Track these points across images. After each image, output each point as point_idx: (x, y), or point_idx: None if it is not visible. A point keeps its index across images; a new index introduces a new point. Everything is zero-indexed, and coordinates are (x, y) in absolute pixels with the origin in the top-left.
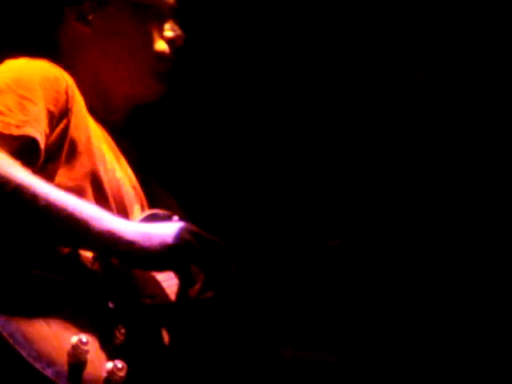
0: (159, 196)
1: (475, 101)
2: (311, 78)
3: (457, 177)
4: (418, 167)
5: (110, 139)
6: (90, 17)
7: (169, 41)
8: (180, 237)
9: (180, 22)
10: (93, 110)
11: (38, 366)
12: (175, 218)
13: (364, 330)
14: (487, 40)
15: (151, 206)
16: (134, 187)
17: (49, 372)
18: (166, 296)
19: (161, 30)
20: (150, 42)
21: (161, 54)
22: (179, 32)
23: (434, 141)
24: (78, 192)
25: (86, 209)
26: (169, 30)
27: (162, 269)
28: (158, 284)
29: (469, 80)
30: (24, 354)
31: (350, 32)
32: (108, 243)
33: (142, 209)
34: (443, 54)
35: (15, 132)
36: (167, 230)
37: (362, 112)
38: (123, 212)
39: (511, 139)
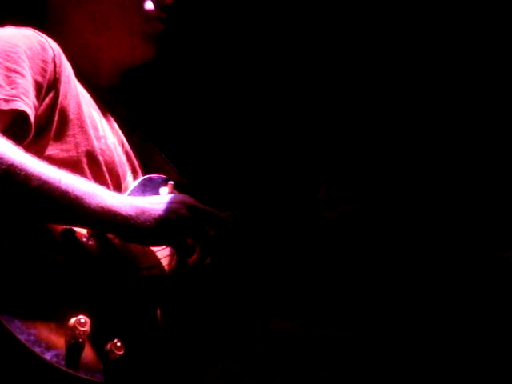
0: (153, 158)
1: (465, 71)
2: (304, 50)
3: (445, 146)
4: (405, 133)
5: (100, 104)
6: None
7: (157, 0)
8: (175, 211)
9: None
10: (82, 76)
11: (36, 350)
12: (170, 182)
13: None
14: (476, 9)
15: (144, 169)
16: (126, 152)
17: (48, 356)
18: (163, 267)
19: None
20: (138, 2)
21: (149, 14)
22: None
23: (423, 110)
24: (72, 163)
25: (79, 185)
26: None
27: (157, 243)
28: (153, 254)
29: (457, 49)
30: (22, 338)
31: (341, 3)
32: (103, 220)
33: (134, 175)
34: (431, 23)
35: (4, 107)
36: (162, 203)
37: (353, 80)
38: (116, 179)
39: (498, 106)
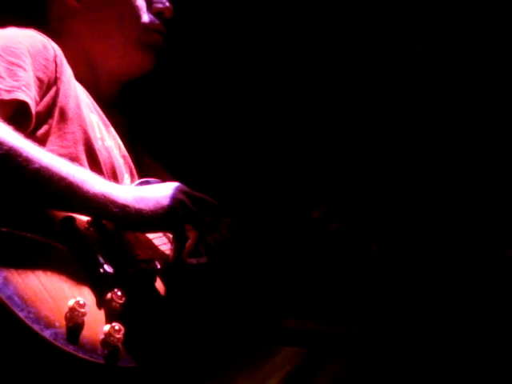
0: (149, 166)
1: (474, 72)
2: (312, 50)
3: (453, 149)
4: (412, 135)
5: (99, 108)
6: None
7: (157, 13)
8: (173, 197)
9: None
10: (81, 81)
11: (36, 327)
12: None
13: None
14: (487, 11)
15: (141, 175)
16: (123, 156)
17: (47, 333)
18: (161, 254)
19: (149, 1)
20: (137, 14)
21: (148, 26)
22: (167, 4)
23: (432, 112)
24: (71, 159)
25: (79, 172)
26: (157, 2)
27: (156, 229)
28: (151, 243)
29: (468, 50)
30: (22, 315)
31: (352, 3)
32: (102, 206)
33: (132, 178)
34: (443, 23)
35: (6, 97)
36: (160, 191)
37: (362, 81)
38: (114, 179)
39: (508, 109)
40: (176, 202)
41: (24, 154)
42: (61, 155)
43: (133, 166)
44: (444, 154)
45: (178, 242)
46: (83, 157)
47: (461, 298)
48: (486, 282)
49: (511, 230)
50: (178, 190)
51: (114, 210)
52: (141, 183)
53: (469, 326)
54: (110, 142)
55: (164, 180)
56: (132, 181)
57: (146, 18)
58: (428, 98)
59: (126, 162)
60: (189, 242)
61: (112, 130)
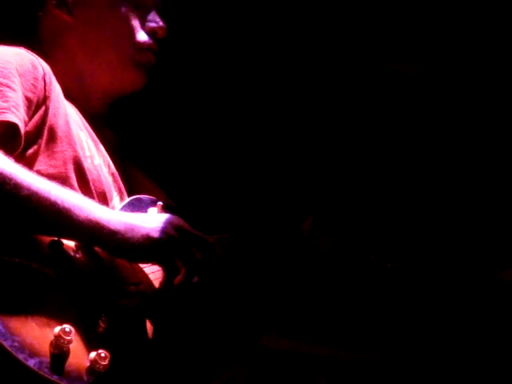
0: (140, 183)
1: (470, 92)
2: (302, 70)
3: (449, 167)
4: (407, 155)
5: (88, 125)
6: (71, 4)
7: (150, 32)
8: (164, 231)
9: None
10: (71, 99)
11: (20, 356)
12: (159, 203)
13: (357, 321)
14: (482, 31)
15: (131, 193)
16: (112, 174)
17: (31, 362)
18: (150, 282)
19: (143, 20)
20: (131, 33)
21: (141, 45)
22: (161, 23)
23: (427, 131)
24: (61, 179)
25: (69, 197)
26: (151, 21)
27: (144, 261)
28: (141, 270)
29: (464, 72)
30: (6, 344)
31: (343, 24)
32: (91, 233)
33: (121, 196)
34: (438, 45)
35: None
36: (151, 222)
37: (355, 103)
38: (103, 199)
39: (506, 128)
40: (166, 236)
41: (13, 180)
42: (50, 175)
43: (122, 185)
44: (439, 158)
45: (165, 275)
46: (72, 176)
47: (457, 306)
48: (480, 306)
49: (502, 253)
50: (170, 223)
51: (103, 237)
52: (132, 200)
53: (465, 335)
54: (99, 159)
55: (156, 196)
56: (121, 199)
57: (139, 36)
58: (420, 109)
59: (114, 180)
60: (178, 278)
61: (101, 147)
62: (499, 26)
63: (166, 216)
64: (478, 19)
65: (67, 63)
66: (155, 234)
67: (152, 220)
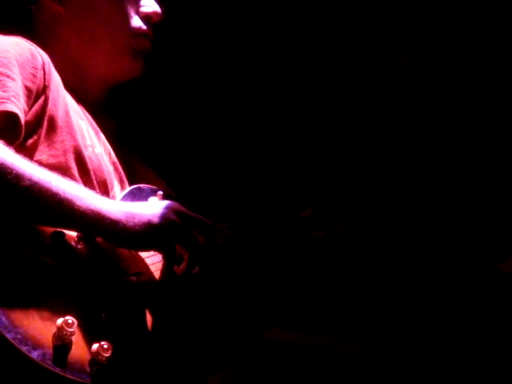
0: (140, 171)
1: (464, 82)
2: (304, 63)
3: (448, 158)
4: (407, 147)
5: (88, 115)
6: None
7: (145, 17)
8: (165, 216)
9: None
10: (69, 88)
11: (23, 348)
12: (160, 192)
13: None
14: (477, 22)
15: (131, 181)
16: (113, 163)
17: (34, 354)
18: (151, 273)
19: (137, 5)
20: (125, 19)
21: (136, 31)
22: (156, 8)
23: (423, 122)
24: (61, 169)
25: (70, 188)
26: (145, 6)
27: (146, 248)
28: (142, 261)
29: (457, 62)
30: (9, 337)
31: (345, 16)
32: (92, 223)
33: (122, 185)
34: (430, 35)
35: None
36: (152, 209)
37: (355, 94)
38: (104, 188)
39: (504, 120)
40: (167, 221)
41: (15, 171)
42: (50, 164)
43: (123, 173)
44: (438, 148)
45: (166, 263)
46: (73, 165)
47: (456, 299)
48: (480, 297)
49: (502, 244)
50: (170, 209)
51: (104, 227)
52: (132, 190)
53: (465, 328)
54: (100, 148)
55: (156, 186)
56: (122, 188)
57: (133, 22)
58: (421, 101)
59: (115, 169)
60: (182, 265)
61: (102, 136)
62: (496, 20)
63: (166, 202)
64: (472, 10)
65: (64, 54)
66: (156, 220)
67: (152, 207)
